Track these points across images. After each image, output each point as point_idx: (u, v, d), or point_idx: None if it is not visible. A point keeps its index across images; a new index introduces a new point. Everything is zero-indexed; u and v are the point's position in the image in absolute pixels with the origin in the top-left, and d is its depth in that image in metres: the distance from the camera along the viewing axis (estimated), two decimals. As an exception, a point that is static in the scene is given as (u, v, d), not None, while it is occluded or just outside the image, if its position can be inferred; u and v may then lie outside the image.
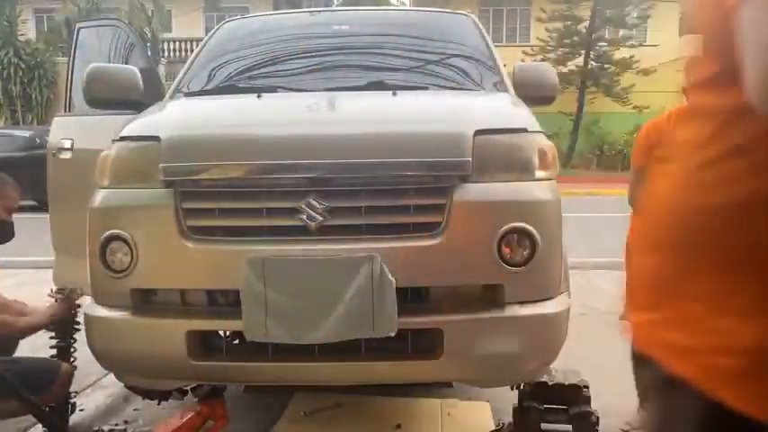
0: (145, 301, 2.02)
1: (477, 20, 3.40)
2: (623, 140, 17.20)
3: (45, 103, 19.20)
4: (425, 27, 3.40)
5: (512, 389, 2.59)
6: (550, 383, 2.54)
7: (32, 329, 2.58)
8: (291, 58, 3.11)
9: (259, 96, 2.41)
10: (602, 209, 11.31)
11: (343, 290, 1.83)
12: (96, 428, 2.57)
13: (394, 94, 2.41)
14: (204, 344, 2.01)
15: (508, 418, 2.68)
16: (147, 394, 2.55)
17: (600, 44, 18.30)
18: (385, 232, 1.92)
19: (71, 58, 3.69)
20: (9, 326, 2.54)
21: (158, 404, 2.87)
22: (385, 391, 2.87)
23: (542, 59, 17.09)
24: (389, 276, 1.82)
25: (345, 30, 3.37)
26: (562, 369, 2.66)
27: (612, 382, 3.37)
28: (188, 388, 2.43)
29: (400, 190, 1.94)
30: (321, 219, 1.89)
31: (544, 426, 2.56)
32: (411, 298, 1.95)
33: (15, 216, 2.68)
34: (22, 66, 18.95)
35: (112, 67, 2.88)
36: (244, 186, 1.96)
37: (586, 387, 2.58)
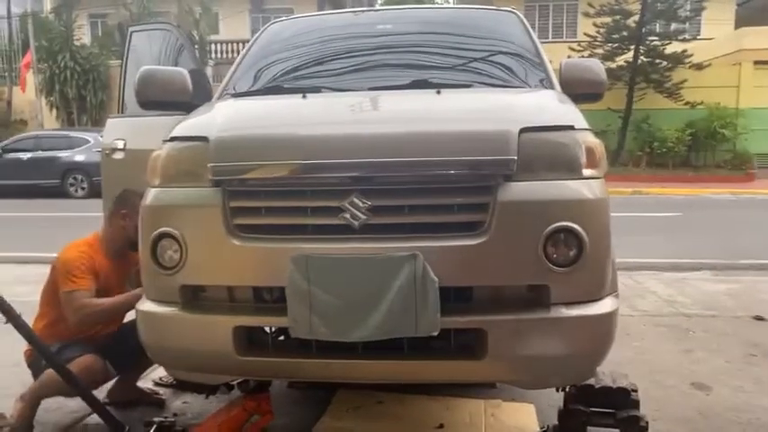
0: (194, 297, 2.07)
1: (522, 16, 3.35)
2: (674, 138, 16.61)
3: (99, 104, 19.91)
4: (469, 24, 3.36)
5: (557, 390, 2.55)
6: (597, 386, 2.49)
7: (124, 307, 2.70)
8: (336, 59, 3.13)
9: (304, 96, 2.44)
10: (651, 208, 11.01)
11: (386, 288, 1.83)
12: (147, 420, 2.65)
13: (438, 92, 2.40)
14: (250, 340, 2.04)
15: (553, 421, 2.64)
16: (196, 388, 2.60)
17: (650, 38, 17.71)
18: (428, 231, 1.90)
19: (124, 62, 3.82)
20: (93, 307, 2.66)
21: (206, 398, 2.94)
22: (428, 390, 2.87)
23: (590, 55, 16.69)
24: (432, 275, 1.81)
25: (389, 29, 3.37)
26: (610, 371, 2.60)
27: (660, 387, 3.29)
28: (234, 383, 2.49)
29: (444, 189, 1.93)
30: (364, 217, 1.90)
31: (590, 429, 2.51)
32: (454, 297, 1.93)
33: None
34: (78, 69, 19.70)
35: (162, 69, 2.94)
36: (289, 185, 1.99)
37: (635, 390, 2.51)
